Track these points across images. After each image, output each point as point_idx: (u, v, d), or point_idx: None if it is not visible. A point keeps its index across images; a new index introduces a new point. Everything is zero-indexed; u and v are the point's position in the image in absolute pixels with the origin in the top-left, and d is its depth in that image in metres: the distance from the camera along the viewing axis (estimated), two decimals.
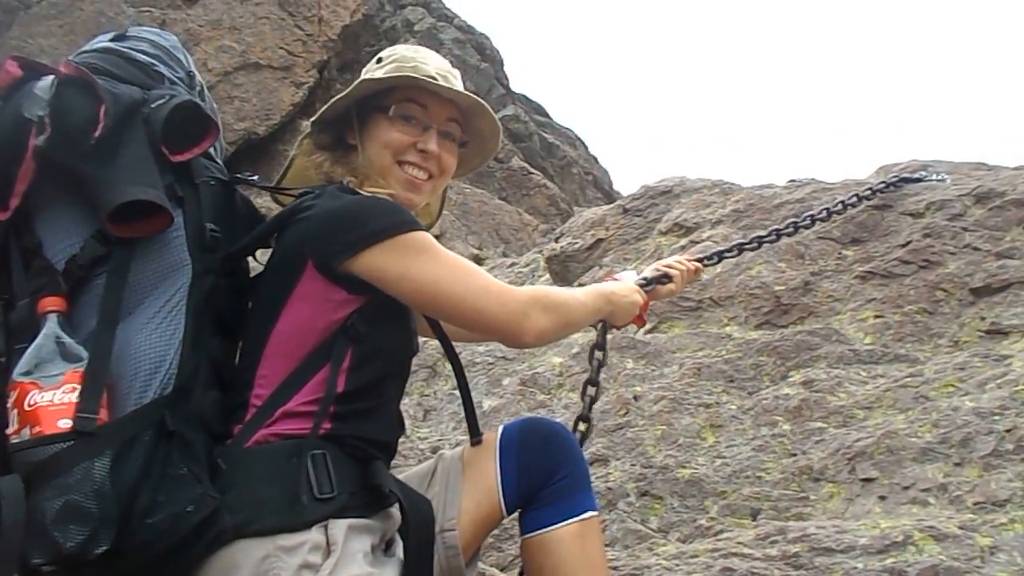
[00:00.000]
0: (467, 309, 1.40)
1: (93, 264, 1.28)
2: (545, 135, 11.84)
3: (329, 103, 1.58)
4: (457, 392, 1.74)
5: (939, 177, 3.13)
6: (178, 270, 1.32)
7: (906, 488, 2.05)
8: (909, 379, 2.43)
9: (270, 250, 1.46)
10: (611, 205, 3.90)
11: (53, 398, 1.17)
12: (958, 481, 2.00)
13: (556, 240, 4.18)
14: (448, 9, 11.99)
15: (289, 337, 1.37)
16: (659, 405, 2.62)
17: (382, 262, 1.35)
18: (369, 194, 1.48)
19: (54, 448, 1.16)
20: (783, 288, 2.96)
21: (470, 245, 8.22)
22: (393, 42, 10.63)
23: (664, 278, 1.93)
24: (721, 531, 2.13)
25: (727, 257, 2.43)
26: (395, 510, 1.40)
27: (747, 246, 2.48)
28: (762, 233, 2.61)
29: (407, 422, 2.98)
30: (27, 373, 1.19)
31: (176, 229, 1.33)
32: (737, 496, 2.23)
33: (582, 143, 13.13)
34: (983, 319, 2.56)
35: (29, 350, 1.21)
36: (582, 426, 1.83)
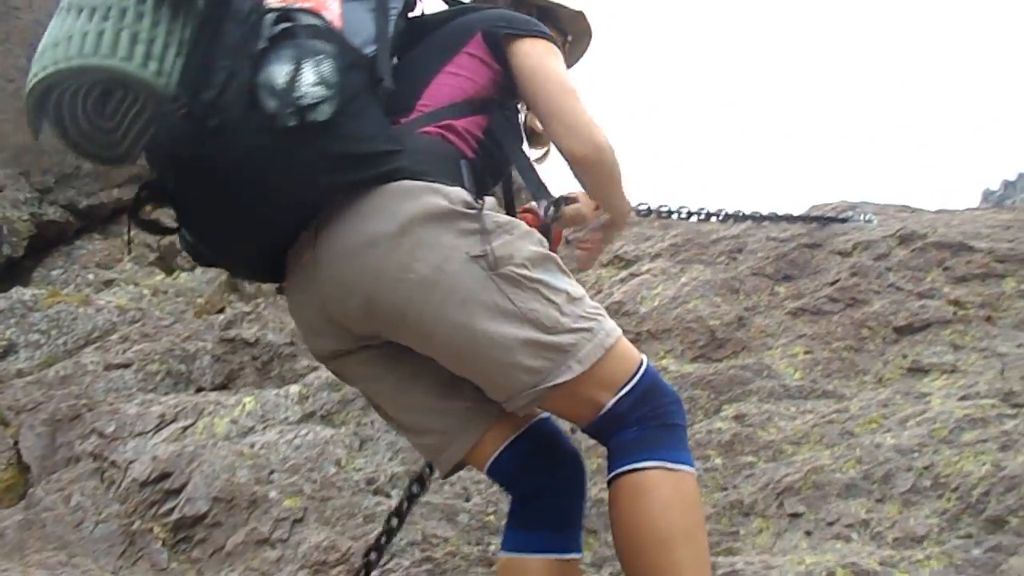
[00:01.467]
0: (563, 102, 1.57)
1: None
2: None
3: None
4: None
5: (867, 218, 3.26)
6: None
7: (831, 524, 2.11)
8: (836, 415, 2.51)
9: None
10: None
11: None
12: (879, 517, 2.07)
13: None
14: None
15: (455, 78, 1.58)
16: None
17: (533, 49, 1.58)
18: None
19: (319, 22, 1.39)
20: (718, 323, 3.03)
21: None
22: None
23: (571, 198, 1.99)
24: None
25: (640, 212, 2.67)
26: None
27: (660, 210, 2.74)
28: (671, 206, 2.84)
29: (342, 451, 2.97)
30: None
31: None
32: None
33: None
34: (905, 357, 2.66)
35: None
36: None
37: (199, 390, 3.86)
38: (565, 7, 1.83)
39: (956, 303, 2.71)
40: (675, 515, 1.39)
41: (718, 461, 2.47)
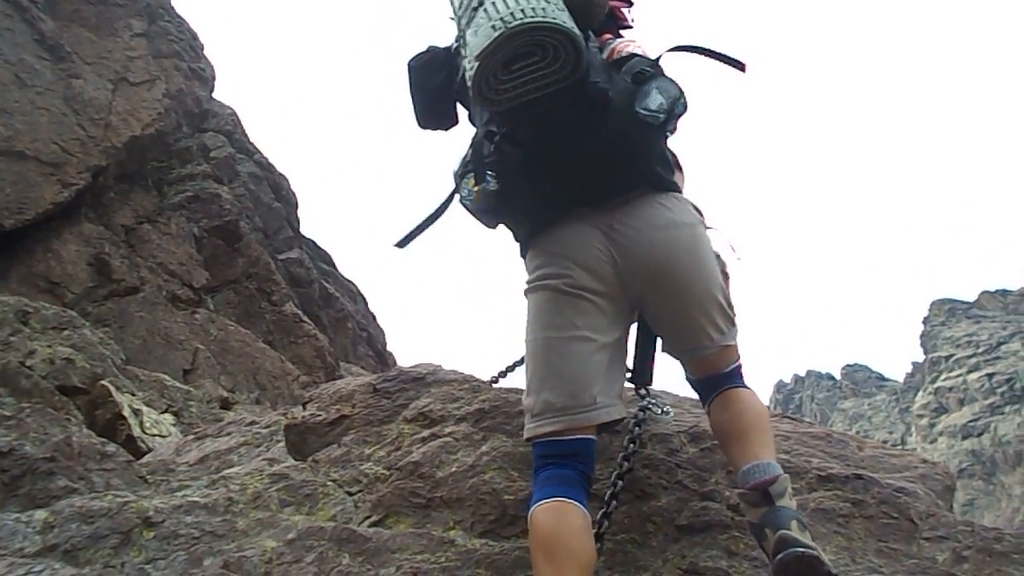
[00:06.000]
0: None
1: None
2: (327, 285, 11.74)
3: None
4: None
5: (664, 410, 3.37)
6: None
7: None
8: None
9: None
10: (362, 382, 3.83)
11: None
12: None
13: (304, 405, 4.01)
14: (251, 143, 11.86)
15: None
16: None
17: None
18: None
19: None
20: (512, 498, 2.98)
21: (221, 386, 7.72)
22: (185, 163, 10.24)
23: None
24: None
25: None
26: None
27: None
28: None
29: None
30: None
31: None
32: None
33: (363, 299, 13.13)
34: (684, 557, 2.69)
35: None
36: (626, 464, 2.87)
37: None
38: None
39: (734, 508, 2.81)
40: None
41: None
